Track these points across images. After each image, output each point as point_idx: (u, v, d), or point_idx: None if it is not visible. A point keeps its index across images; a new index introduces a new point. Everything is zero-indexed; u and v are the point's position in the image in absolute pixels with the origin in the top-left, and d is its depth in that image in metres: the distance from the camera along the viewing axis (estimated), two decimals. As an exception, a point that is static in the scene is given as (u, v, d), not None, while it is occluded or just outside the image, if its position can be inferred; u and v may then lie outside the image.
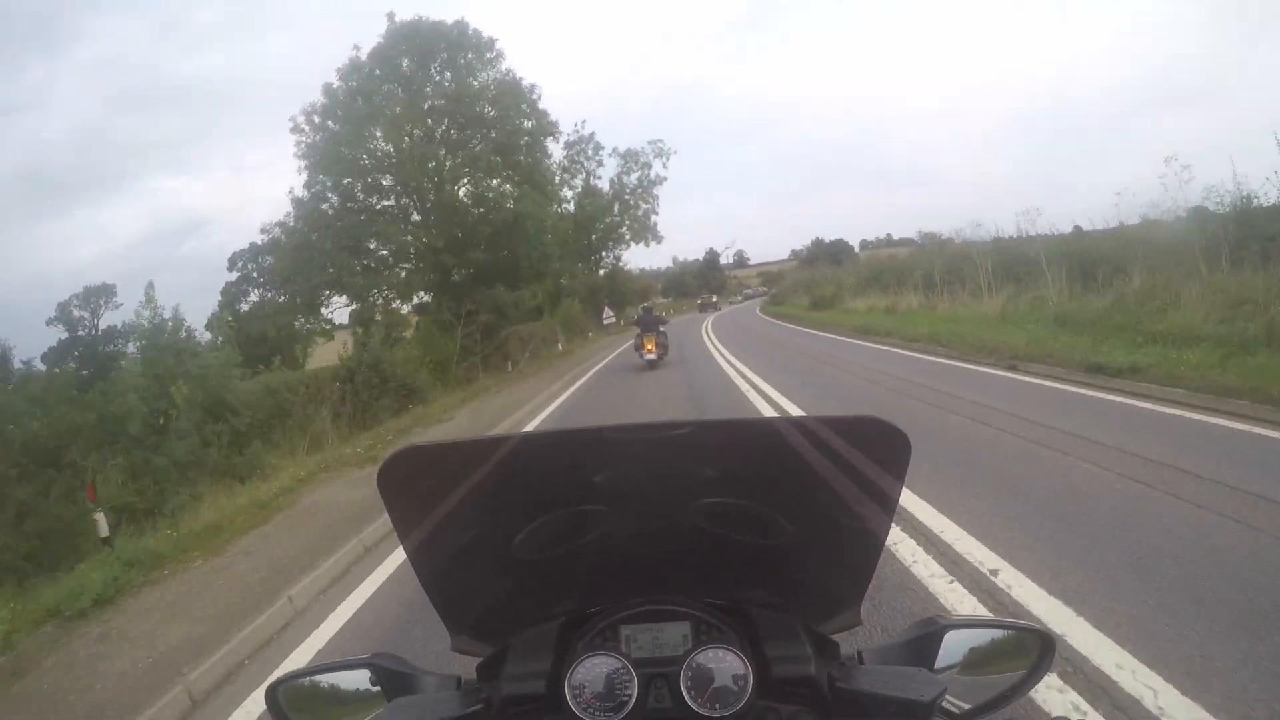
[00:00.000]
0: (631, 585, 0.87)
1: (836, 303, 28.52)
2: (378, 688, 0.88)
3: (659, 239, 40.93)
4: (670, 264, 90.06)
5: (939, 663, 0.86)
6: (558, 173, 34.29)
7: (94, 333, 39.65)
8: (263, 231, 26.87)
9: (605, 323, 30.58)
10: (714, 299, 63.29)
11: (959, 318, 15.78)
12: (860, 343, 15.94)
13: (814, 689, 0.78)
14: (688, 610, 0.84)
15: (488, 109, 26.01)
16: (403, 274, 26.42)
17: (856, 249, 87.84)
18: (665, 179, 42.33)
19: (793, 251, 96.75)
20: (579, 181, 38.93)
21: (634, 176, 41.13)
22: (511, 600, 0.89)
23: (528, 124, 27.31)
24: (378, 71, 25.26)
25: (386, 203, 25.90)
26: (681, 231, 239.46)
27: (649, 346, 14.87)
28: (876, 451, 0.78)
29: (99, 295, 41.32)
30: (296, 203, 24.58)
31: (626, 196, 40.86)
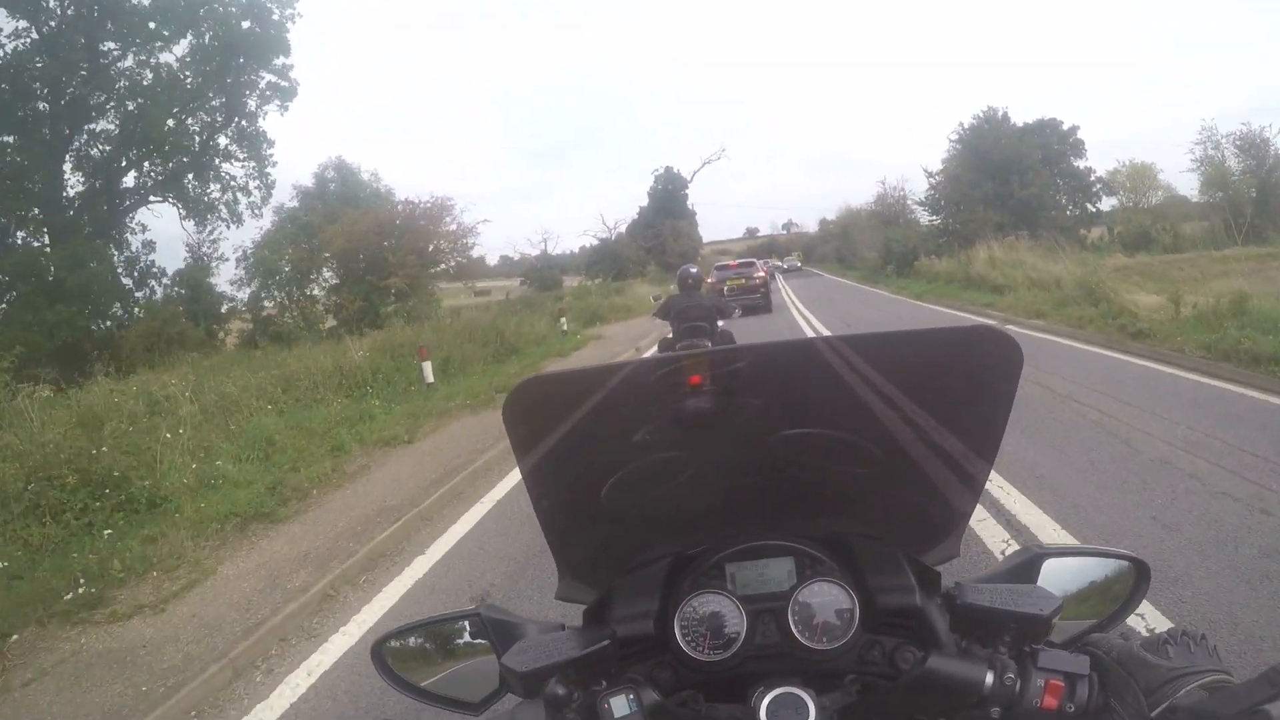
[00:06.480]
0: (730, 524, 0.87)
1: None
2: (480, 640, 0.89)
3: None
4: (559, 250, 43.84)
5: None
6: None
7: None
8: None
9: None
10: (764, 264, 26.16)
11: None
12: None
13: (918, 620, 0.78)
14: (791, 545, 0.84)
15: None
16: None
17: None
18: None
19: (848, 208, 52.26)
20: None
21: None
22: (615, 542, 0.89)
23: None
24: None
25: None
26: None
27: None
28: (985, 365, 0.75)
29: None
30: None
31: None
